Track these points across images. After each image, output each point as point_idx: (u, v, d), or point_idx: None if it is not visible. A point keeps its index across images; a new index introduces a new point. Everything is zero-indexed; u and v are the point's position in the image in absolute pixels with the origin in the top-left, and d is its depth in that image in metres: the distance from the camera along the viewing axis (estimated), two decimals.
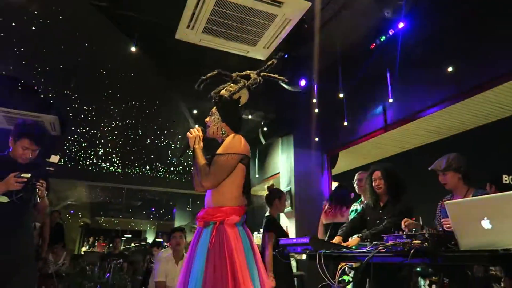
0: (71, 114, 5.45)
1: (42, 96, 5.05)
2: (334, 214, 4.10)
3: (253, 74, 2.08)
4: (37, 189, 2.33)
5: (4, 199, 2.25)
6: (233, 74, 2.11)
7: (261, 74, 2.10)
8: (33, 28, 3.36)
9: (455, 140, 5.14)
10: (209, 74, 2.09)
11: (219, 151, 1.93)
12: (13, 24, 3.27)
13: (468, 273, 2.23)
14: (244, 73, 2.12)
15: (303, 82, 4.29)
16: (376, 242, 2.33)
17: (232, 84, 2.08)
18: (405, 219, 2.64)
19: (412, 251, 1.93)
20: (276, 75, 2.15)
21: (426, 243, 1.98)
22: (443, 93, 3.88)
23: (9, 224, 2.28)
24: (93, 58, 3.96)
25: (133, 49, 3.57)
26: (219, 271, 1.70)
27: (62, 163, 7.21)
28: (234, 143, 1.92)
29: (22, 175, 2.24)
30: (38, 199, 2.37)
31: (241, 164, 1.92)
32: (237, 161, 1.89)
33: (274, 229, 3.74)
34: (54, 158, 2.40)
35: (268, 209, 3.95)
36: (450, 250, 1.91)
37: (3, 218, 2.27)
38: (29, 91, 5.21)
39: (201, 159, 1.93)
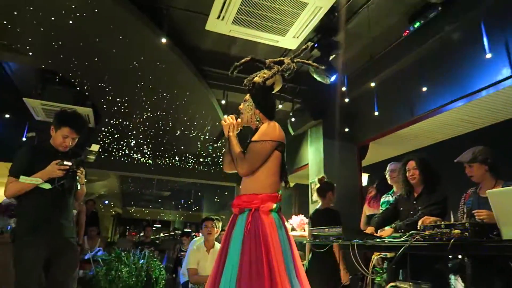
0: (104, 106, 5.62)
1: (78, 89, 5.23)
2: (379, 205, 4.05)
3: (286, 60, 2.05)
4: (77, 177, 2.41)
5: (47, 186, 2.34)
6: (267, 61, 2.09)
7: (295, 60, 2.07)
8: (70, 22, 3.47)
9: (489, 131, 4.94)
10: (242, 60, 2.08)
11: (254, 138, 1.94)
12: (52, 18, 3.39)
13: (511, 265, 2.14)
14: (277, 59, 2.10)
15: (332, 78, 4.21)
16: (412, 231, 2.28)
17: (265, 71, 2.06)
18: (425, 217, 2.57)
19: (451, 241, 1.89)
20: (310, 62, 2.13)
21: (467, 233, 1.92)
22: (477, 83, 3.71)
23: (53, 210, 2.37)
24: (126, 51, 4.05)
25: (164, 40, 3.62)
26: (254, 257, 1.70)
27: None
28: (269, 130, 1.92)
29: (64, 163, 2.33)
30: (78, 186, 2.45)
31: (277, 151, 1.92)
32: (273, 148, 1.89)
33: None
34: (95, 147, 2.44)
35: (320, 201, 3.95)
36: (492, 240, 1.84)
37: (47, 204, 2.36)
38: (66, 84, 5.42)
39: (236, 146, 1.94)
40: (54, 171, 2.31)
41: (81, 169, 2.42)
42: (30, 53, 4.26)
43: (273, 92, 2.08)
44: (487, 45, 3.42)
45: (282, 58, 2.08)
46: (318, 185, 3.99)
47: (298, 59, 2.09)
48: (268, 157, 1.89)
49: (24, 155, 2.42)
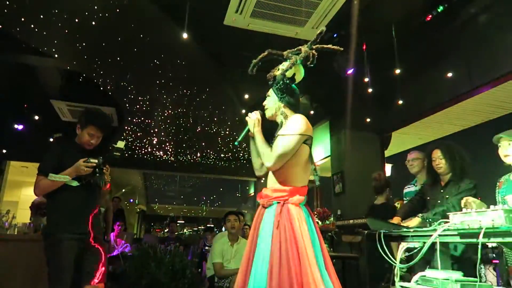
0: (127, 105, 5.74)
1: (101, 88, 5.36)
2: None
3: (304, 48, 1.98)
4: (104, 174, 2.45)
5: (75, 183, 2.40)
6: (284, 53, 2.05)
7: (313, 46, 2.00)
8: (93, 23, 3.56)
9: None
10: (260, 56, 2.05)
11: (282, 131, 1.92)
12: (76, 20, 3.49)
13: None
14: (295, 49, 2.04)
15: (349, 71, 4.14)
16: (442, 220, 2.24)
17: (284, 63, 2.02)
18: (466, 197, 2.51)
19: (483, 229, 1.84)
20: (330, 45, 2.06)
21: (499, 221, 1.87)
22: (503, 67, 3.58)
23: (81, 207, 2.44)
24: (147, 49, 4.13)
25: (185, 35, 3.65)
26: (284, 250, 1.70)
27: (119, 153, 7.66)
28: (297, 123, 1.88)
29: (90, 160, 2.37)
30: (104, 183, 2.49)
31: (305, 145, 1.89)
32: (301, 142, 1.87)
33: None
34: (120, 144, 2.53)
35: (377, 197, 4.02)
36: None
37: (76, 201, 2.42)
38: (90, 84, 5.56)
39: (263, 142, 1.93)
40: (81, 169, 2.36)
41: (107, 166, 2.48)
42: (56, 55, 4.39)
43: (295, 83, 2.04)
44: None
45: (299, 47, 2.02)
46: (374, 182, 4.05)
47: (316, 46, 2.00)
48: (296, 150, 1.88)
49: (52, 154, 2.48)
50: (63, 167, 2.38)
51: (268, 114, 2.05)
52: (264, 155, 1.88)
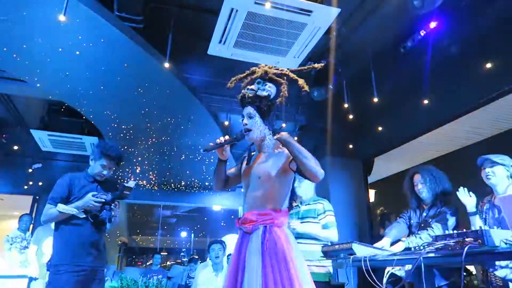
0: (110, 134, 5.68)
1: (83, 117, 5.32)
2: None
3: (286, 71, 2.01)
4: (112, 210, 2.49)
5: (82, 215, 2.45)
6: (269, 75, 2.01)
7: (292, 69, 2.04)
8: (78, 52, 3.59)
9: (494, 142, 4.95)
10: (243, 75, 2.04)
11: (274, 154, 1.94)
12: (60, 49, 3.51)
13: None
14: (278, 72, 2.03)
15: (333, 89, 4.28)
16: (425, 243, 2.25)
17: (269, 84, 1.99)
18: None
19: (466, 249, 1.87)
20: (310, 66, 2.09)
21: (480, 241, 1.90)
22: (478, 95, 3.75)
23: (86, 240, 2.49)
24: (131, 78, 4.15)
25: (166, 65, 3.72)
26: (277, 274, 1.69)
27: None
28: None
29: (100, 196, 2.44)
30: (110, 219, 2.52)
31: (291, 169, 1.90)
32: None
33: None
34: (131, 183, 2.54)
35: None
36: (508, 246, 1.82)
37: (82, 234, 2.48)
38: (72, 114, 5.52)
39: (306, 150, 1.83)
40: (90, 203, 2.43)
41: (116, 202, 2.52)
42: (38, 85, 4.37)
43: (277, 104, 2.01)
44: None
45: (280, 70, 2.02)
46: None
47: (294, 69, 2.05)
48: (286, 172, 1.90)
49: (62, 184, 2.54)
50: (73, 198, 2.48)
51: (253, 136, 1.99)
52: (316, 161, 1.81)
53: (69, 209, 2.41)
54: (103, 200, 2.44)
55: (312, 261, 3.02)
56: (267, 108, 1.97)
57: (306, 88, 2.03)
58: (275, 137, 1.89)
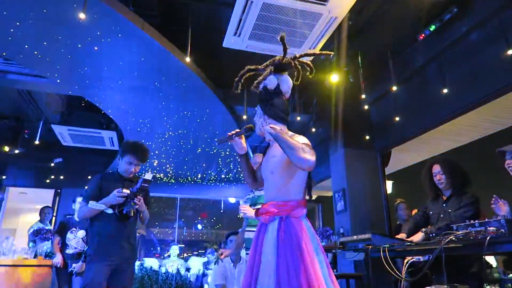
0: (128, 128, 5.78)
1: (102, 112, 5.42)
2: None
3: (279, 56, 1.96)
4: (134, 204, 2.63)
5: (110, 211, 2.63)
6: (261, 66, 1.97)
7: (297, 55, 1.99)
8: (96, 48, 3.65)
9: None
10: (240, 73, 1.98)
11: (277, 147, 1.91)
12: (79, 45, 3.58)
13: None
14: (271, 60, 1.97)
15: (350, 79, 4.24)
16: (446, 232, 2.24)
17: (270, 76, 1.95)
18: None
19: (488, 238, 1.85)
20: (316, 51, 2.07)
21: (503, 230, 1.88)
22: (500, 82, 3.65)
23: (116, 233, 2.65)
24: (148, 72, 4.21)
25: (187, 59, 3.75)
26: (291, 264, 1.70)
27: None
28: (298, 135, 1.90)
29: (123, 191, 2.59)
30: (133, 212, 2.66)
31: None
32: None
33: None
34: (148, 175, 2.63)
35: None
36: None
37: (111, 227, 2.64)
38: (91, 109, 5.64)
39: (293, 139, 1.80)
40: (113, 198, 2.58)
41: (138, 196, 2.64)
42: (58, 81, 4.47)
43: (281, 94, 1.98)
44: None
45: (276, 57, 1.97)
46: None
47: (301, 54, 2.00)
48: None
49: (94, 182, 2.73)
50: (102, 195, 2.65)
51: (257, 130, 2.01)
52: (307, 150, 1.74)
53: (97, 205, 2.59)
54: (125, 195, 2.58)
55: None
56: (267, 101, 1.95)
57: (310, 71, 2.01)
58: (265, 132, 1.89)
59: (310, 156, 1.72)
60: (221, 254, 3.72)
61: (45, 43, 3.65)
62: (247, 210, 2.83)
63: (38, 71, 4.46)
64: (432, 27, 4.00)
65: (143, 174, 2.65)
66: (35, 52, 3.80)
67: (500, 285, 3.94)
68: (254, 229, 2.72)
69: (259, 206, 2.78)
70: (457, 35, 3.88)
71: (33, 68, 4.40)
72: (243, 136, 2.02)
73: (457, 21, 3.80)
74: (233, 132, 2.00)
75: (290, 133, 1.97)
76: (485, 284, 3.20)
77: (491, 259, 4.05)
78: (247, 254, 2.80)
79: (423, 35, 4.11)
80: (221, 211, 12.56)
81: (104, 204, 2.60)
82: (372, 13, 3.83)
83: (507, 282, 3.88)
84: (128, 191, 2.60)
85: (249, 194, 3.07)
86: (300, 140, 1.85)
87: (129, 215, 2.64)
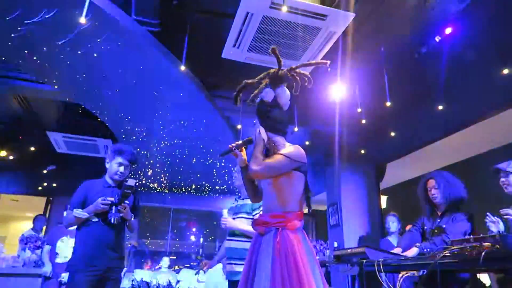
0: (123, 136, 5.76)
1: (99, 120, 5.41)
2: None
3: (274, 69, 2.00)
4: (119, 212, 2.61)
5: (95, 218, 2.61)
6: (257, 79, 2.01)
7: (293, 67, 2.01)
8: (95, 55, 3.66)
9: (508, 150, 4.88)
10: (238, 87, 2.02)
11: (280, 151, 1.92)
12: (79, 52, 3.59)
13: None
14: (267, 72, 2.01)
15: (346, 93, 4.28)
16: (441, 247, 2.23)
17: (267, 89, 1.98)
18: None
19: (483, 253, 1.85)
20: (312, 62, 2.08)
21: (498, 246, 1.88)
22: (494, 100, 3.72)
23: (101, 241, 2.60)
24: (146, 81, 4.22)
25: (182, 68, 3.76)
26: (286, 276, 1.69)
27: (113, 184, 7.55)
28: (292, 149, 1.91)
29: (107, 199, 2.57)
30: (116, 220, 2.61)
31: (300, 172, 1.91)
32: (291, 167, 1.87)
33: None
34: (131, 181, 2.62)
35: None
36: None
37: (96, 235, 2.60)
38: (88, 116, 5.61)
39: (260, 149, 1.90)
40: (98, 205, 2.55)
41: (123, 205, 2.61)
42: (56, 87, 4.46)
43: (279, 106, 1.99)
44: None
45: (271, 70, 2.01)
46: None
47: (297, 65, 2.03)
48: (289, 174, 1.89)
49: (79, 190, 2.71)
50: (88, 202, 2.63)
51: (254, 141, 2.00)
52: (256, 159, 1.86)
53: (82, 213, 2.56)
54: (109, 202, 2.56)
55: (242, 261, 2.59)
56: (264, 113, 1.98)
57: (309, 82, 2.03)
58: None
59: (254, 165, 1.84)
60: (205, 265, 3.69)
61: (44, 48, 3.65)
62: (227, 221, 2.79)
63: (36, 77, 4.46)
64: (430, 44, 4.07)
65: (126, 181, 2.64)
66: (34, 58, 3.80)
67: None
68: (236, 238, 2.76)
69: (241, 215, 2.82)
70: (454, 53, 3.95)
71: (32, 73, 4.39)
72: (243, 148, 2.04)
73: (454, 39, 3.88)
74: (234, 144, 2.03)
75: (286, 143, 1.99)
76: None
77: (485, 279, 4.04)
78: (228, 264, 2.76)
79: (419, 52, 4.17)
80: (214, 223, 12.45)
81: (88, 212, 2.57)
82: (371, 28, 3.89)
83: None
84: (113, 199, 2.59)
85: (232, 203, 3.05)
86: (287, 150, 1.89)
87: (114, 223, 2.60)
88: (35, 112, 5.98)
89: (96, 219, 2.60)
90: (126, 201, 2.64)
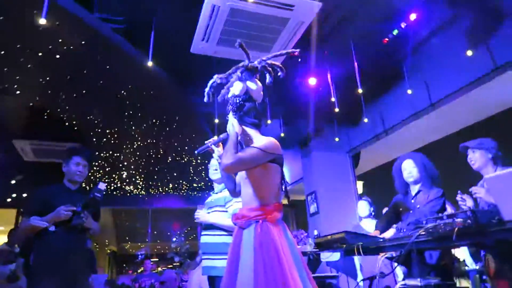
0: (94, 139, 5.60)
1: (66, 124, 5.22)
2: None
3: (243, 63, 2.00)
4: (81, 219, 2.51)
5: (52, 228, 2.47)
6: (227, 73, 2.01)
7: (263, 58, 2.01)
8: (58, 56, 3.52)
9: (475, 130, 5.08)
10: (209, 83, 2.01)
11: (252, 144, 1.91)
12: (40, 54, 3.43)
13: None
14: (238, 65, 2.01)
15: (318, 83, 4.32)
16: (416, 226, 2.30)
17: (236, 82, 1.97)
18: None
19: (455, 230, 1.91)
20: (283, 51, 2.08)
21: (469, 220, 1.95)
22: (461, 80, 3.85)
23: (63, 249, 2.48)
24: (114, 80, 4.10)
25: (150, 63, 3.66)
26: (269, 268, 1.69)
27: (88, 190, 7.34)
28: (266, 141, 1.90)
29: (69, 207, 2.46)
30: (81, 227, 2.55)
31: (276, 164, 1.91)
32: (265, 159, 1.87)
33: None
34: (102, 186, 2.55)
35: None
36: (496, 224, 1.87)
37: (59, 244, 2.47)
38: (55, 120, 5.39)
39: (233, 142, 1.89)
40: (60, 213, 2.43)
41: (85, 212, 2.52)
42: (18, 92, 4.26)
43: (252, 99, 1.98)
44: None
45: (242, 63, 2.01)
46: None
47: (270, 58, 2.03)
48: (264, 167, 1.88)
49: (37, 197, 2.59)
50: (49, 209, 2.47)
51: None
52: (227, 153, 1.84)
53: (40, 222, 2.44)
54: (74, 209, 2.47)
55: (218, 255, 2.63)
56: (237, 107, 1.96)
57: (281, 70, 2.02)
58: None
59: (225, 159, 1.83)
60: (188, 267, 3.62)
61: (2, 52, 3.47)
62: (201, 215, 2.77)
63: None
64: (395, 32, 4.17)
65: (96, 184, 2.55)
66: None
67: (469, 277, 4.12)
68: (210, 233, 2.74)
69: (215, 209, 2.78)
70: (419, 38, 4.06)
71: None
72: (220, 144, 2.03)
73: (418, 25, 3.98)
74: (210, 140, 2.03)
75: (260, 136, 1.98)
76: (454, 278, 3.32)
77: (460, 254, 4.22)
78: (203, 259, 2.75)
79: (386, 39, 4.26)
80: (195, 220, 12.34)
81: (47, 221, 2.45)
82: (339, 17, 3.93)
83: (474, 273, 4.06)
84: (75, 208, 2.47)
85: (208, 198, 3.03)
86: (260, 143, 1.88)
87: (77, 228, 2.51)
88: None
89: (53, 228, 2.46)
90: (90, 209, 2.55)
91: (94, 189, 2.53)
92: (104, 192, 2.58)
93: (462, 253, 4.18)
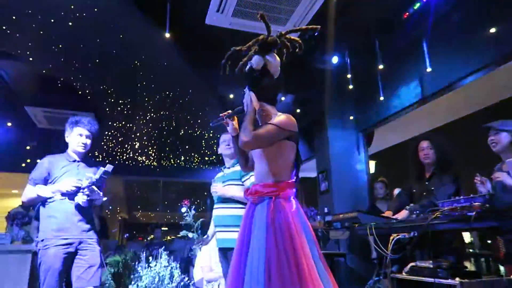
0: (107, 109, 5.60)
1: (79, 93, 5.21)
2: None
3: (263, 35, 1.90)
4: (87, 194, 2.52)
5: (58, 197, 2.50)
6: (246, 46, 1.91)
7: (282, 32, 1.92)
8: (70, 23, 3.46)
9: (498, 110, 4.92)
10: (226, 55, 1.92)
11: (271, 121, 1.87)
12: (52, 20, 3.37)
13: None
14: (255, 39, 1.92)
15: (335, 59, 4.19)
16: (432, 208, 2.26)
17: (255, 56, 1.90)
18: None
19: (474, 213, 1.87)
20: (302, 27, 2.00)
21: (487, 205, 1.91)
22: (484, 58, 3.68)
23: (69, 215, 2.52)
24: (128, 50, 4.04)
25: (167, 35, 3.59)
26: (281, 245, 1.68)
27: (100, 159, 7.42)
28: (284, 118, 1.86)
29: (77, 181, 2.48)
30: (83, 202, 2.54)
31: (292, 142, 1.87)
32: (282, 135, 1.83)
33: None
34: (109, 167, 2.53)
35: None
36: None
37: (64, 210, 2.50)
38: (67, 89, 5.39)
39: (251, 119, 1.84)
40: (65, 186, 2.46)
41: (93, 188, 2.52)
42: (30, 59, 4.24)
43: (269, 74, 1.92)
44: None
45: (260, 36, 1.91)
46: None
47: (286, 31, 1.93)
48: (280, 144, 1.85)
49: (42, 165, 2.56)
50: (53, 178, 2.52)
51: (246, 110, 1.94)
52: (246, 130, 1.79)
53: (46, 192, 2.46)
54: (79, 185, 2.47)
55: (231, 227, 2.62)
56: (254, 81, 1.90)
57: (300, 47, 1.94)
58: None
59: (244, 136, 1.78)
60: (199, 243, 3.60)
61: (14, 17, 3.42)
62: (218, 188, 2.74)
63: (7, 48, 4.21)
64: (416, 5, 3.98)
65: (104, 165, 2.54)
66: (3, 27, 3.57)
67: (476, 259, 4.13)
68: (223, 206, 2.73)
69: (230, 182, 2.76)
70: (440, 14, 3.87)
71: (1, 45, 4.14)
72: (235, 117, 2.00)
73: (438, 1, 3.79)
74: (225, 113, 1.98)
75: (277, 112, 1.93)
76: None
77: (465, 236, 4.20)
78: (216, 231, 2.76)
79: (407, 13, 4.08)
80: (205, 193, 12.52)
81: (53, 191, 2.47)
82: None
83: (481, 256, 4.06)
84: (81, 183, 2.47)
85: (218, 173, 3.02)
86: (277, 119, 1.84)
87: (82, 205, 2.52)
88: (10, 87, 5.71)
89: (61, 198, 2.49)
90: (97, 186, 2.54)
91: (101, 171, 2.51)
92: (111, 173, 2.55)
93: (468, 235, 4.17)
